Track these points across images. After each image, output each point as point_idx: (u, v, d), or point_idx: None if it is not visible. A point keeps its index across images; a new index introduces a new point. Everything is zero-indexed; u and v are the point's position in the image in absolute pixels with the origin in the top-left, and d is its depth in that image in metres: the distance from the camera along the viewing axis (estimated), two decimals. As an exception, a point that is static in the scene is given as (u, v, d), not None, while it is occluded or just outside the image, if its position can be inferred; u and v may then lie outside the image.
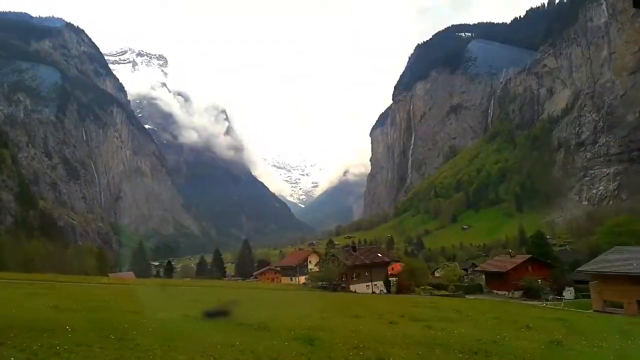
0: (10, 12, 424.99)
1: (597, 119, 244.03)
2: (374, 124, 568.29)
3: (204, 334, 13.63)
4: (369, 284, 58.46)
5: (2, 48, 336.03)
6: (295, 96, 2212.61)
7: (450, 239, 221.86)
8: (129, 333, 12.27)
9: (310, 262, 79.97)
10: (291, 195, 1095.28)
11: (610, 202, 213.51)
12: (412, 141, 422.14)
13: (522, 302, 49.10)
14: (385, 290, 58.91)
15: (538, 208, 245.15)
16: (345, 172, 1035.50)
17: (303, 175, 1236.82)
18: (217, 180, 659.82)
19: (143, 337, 11.92)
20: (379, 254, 67.28)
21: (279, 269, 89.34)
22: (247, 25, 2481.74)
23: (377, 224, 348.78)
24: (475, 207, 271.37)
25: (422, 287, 62.32)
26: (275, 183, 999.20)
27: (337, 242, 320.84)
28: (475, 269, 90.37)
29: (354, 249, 70.54)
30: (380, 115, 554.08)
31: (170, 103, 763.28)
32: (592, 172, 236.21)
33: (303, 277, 72.94)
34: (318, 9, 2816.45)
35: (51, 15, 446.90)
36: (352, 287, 55.37)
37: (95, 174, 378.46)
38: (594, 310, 39.15)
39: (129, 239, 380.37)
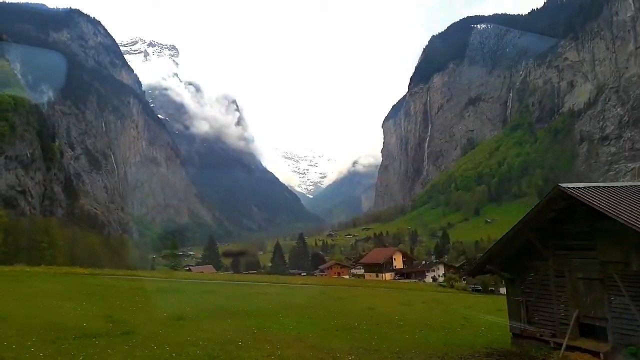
0: (27, 3, 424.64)
1: (622, 113, 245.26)
2: (386, 115, 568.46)
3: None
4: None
5: (23, 39, 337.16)
6: (305, 86, 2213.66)
7: (476, 233, 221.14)
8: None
9: (395, 259, 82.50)
10: (299, 186, 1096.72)
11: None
12: (429, 133, 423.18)
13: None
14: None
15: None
16: (354, 163, 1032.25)
17: (311, 165, 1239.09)
18: (228, 170, 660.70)
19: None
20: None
21: (360, 266, 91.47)
22: (258, 12, 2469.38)
23: (394, 215, 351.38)
24: (498, 201, 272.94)
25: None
26: (284, 173, 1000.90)
27: (356, 234, 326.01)
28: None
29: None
30: (393, 106, 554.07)
31: (181, 93, 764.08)
32: (617, 166, 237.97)
33: (389, 274, 75.43)
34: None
35: (68, 7, 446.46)
36: (503, 290, 57.80)
37: (115, 165, 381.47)
38: None
39: (147, 228, 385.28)
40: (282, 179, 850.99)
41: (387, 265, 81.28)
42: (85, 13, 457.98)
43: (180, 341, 13.09)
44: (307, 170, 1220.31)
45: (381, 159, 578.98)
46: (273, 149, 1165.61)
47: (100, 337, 13.11)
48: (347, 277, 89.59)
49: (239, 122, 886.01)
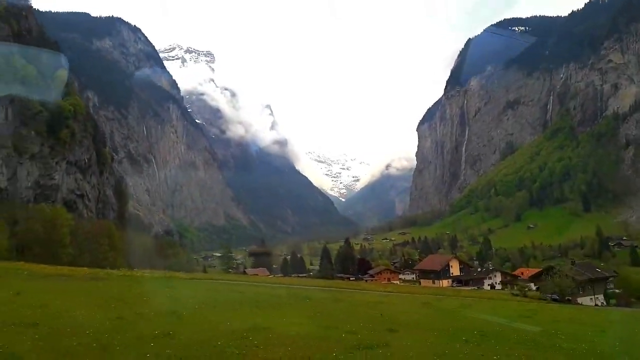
0: (72, 12, 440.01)
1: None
2: (420, 118, 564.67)
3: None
4: (592, 297, 61.73)
5: (69, 47, 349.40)
6: (338, 89, 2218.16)
7: (518, 239, 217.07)
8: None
9: (452, 266, 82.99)
10: (332, 189, 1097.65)
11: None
12: (466, 137, 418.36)
13: None
14: (605, 303, 62.35)
15: (606, 207, 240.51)
16: (387, 166, 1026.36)
17: (344, 169, 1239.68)
18: (262, 174, 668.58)
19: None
20: (597, 269, 72.70)
21: (414, 272, 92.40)
22: (292, 18, 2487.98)
23: (431, 220, 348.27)
24: (539, 206, 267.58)
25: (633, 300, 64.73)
26: (316, 177, 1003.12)
27: (393, 238, 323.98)
28: None
29: (572, 262, 75.04)
30: (428, 109, 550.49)
31: (217, 98, 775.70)
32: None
33: (446, 281, 76.02)
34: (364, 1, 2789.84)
35: (111, 15, 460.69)
36: (580, 300, 58.28)
37: (155, 168, 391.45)
38: None
39: (187, 231, 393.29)
40: (315, 183, 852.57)
41: (444, 272, 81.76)
42: (126, 21, 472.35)
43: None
44: (340, 173, 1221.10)
45: (415, 162, 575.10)
46: (306, 153, 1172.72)
47: (386, 347, 13.52)
48: (397, 282, 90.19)
49: (273, 126, 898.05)
